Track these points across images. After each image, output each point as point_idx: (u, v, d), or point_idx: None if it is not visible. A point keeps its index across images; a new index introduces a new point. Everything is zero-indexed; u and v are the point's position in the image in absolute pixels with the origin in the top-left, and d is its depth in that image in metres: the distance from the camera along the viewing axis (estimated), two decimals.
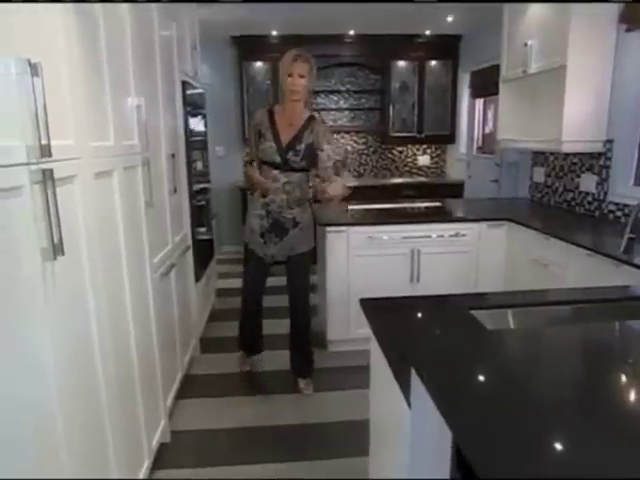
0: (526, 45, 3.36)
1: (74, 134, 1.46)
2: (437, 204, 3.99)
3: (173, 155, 2.73)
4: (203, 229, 3.85)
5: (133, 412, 2.01)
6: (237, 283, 4.94)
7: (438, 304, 1.71)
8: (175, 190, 2.77)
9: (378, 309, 1.67)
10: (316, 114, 2.82)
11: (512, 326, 1.61)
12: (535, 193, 4.12)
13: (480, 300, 1.76)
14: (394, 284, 3.30)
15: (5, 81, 1.11)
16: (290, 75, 2.56)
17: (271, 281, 3.10)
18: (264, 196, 2.72)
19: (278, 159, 2.66)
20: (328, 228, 3.23)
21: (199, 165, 3.79)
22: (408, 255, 3.29)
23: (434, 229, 3.28)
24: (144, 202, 2.18)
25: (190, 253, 3.27)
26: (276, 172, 2.68)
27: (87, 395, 1.55)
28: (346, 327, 3.37)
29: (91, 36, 1.65)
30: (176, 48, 2.98)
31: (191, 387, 3.06)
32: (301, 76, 2.56)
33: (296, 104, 2.65)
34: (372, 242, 3.24)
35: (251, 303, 3.02)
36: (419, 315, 1.64)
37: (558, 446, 0.85)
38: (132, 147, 2.06)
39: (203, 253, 3.78)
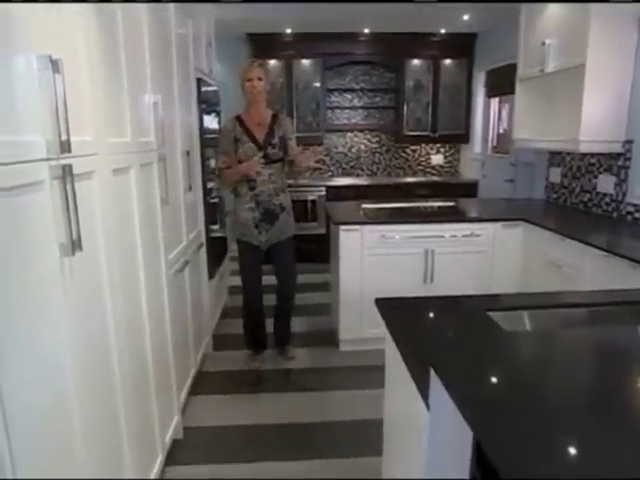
0: (544, 44, 3.32)
1: (92, 130, 1.47)
2: (451, 204, 3.97)
3: (188, 152, 2.74)
4: (216, 226, 3.86)
5: (147, 408, 2.02)
6: None
7: (455, 305, 1.70)
8: (190, 187, 2.78)
9: (394, 309, 1.66)
10: (279, 111, 3.20)
11: (529, 328, 1.59)
12: (551, 194, 4.08)
13: (497, 301, 1.75)
14: (407, 284, 3.29)
15: (27, 77, 1.12)
16: (249, 80, 2.86)
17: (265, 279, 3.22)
18: (252, 189, 2.95)
19: (260, 155, 2.92)
20: (342, 227, 3.22)
21: (213, 163, 3.80)
22: (422, 255, 3.27)
23: (448, 229, 3.26)
24: (160, 199, 2.18)
25: (204, 250, 3.28)
26: (259, 168, 2.92)
27: (103, 391, 1.55)
28: (358, 327, 3.35)
29: (110, 33, 1.66)
30: (192, 45, 2.99)
31: (204, 384, 3.07)
32: (259, 79, 2.87)
33: (259, 104, 2.95)
34: (385, 241, 3.23)
35: (252, 295, 3.17)
36: (436, 316, 1.62)
37: (575, 447, 0.85)
38: (148, 144, 2.06)
39: (216, 250, 3.79)
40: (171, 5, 2.52)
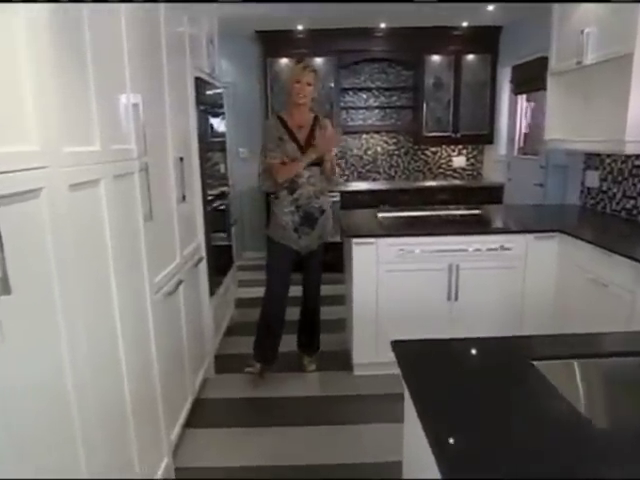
0: (582, 33, 2.97)
1: (39, 138, 1.19)
2: (476, 212, 3.62)
3: (182, 159, 2.45)
4: (222, 234, 3.59)
5: (124, 455, 1.73)
6: (258, 292, 4.67)
7: (489, 350, 1.38)
8: (184, 198, 2.50)
9: (415, 355, 1.35)
10: (319, 114, 3.08)
11: (590, 387, 1.26)
12: (587, 199, 3.70)
13: (541, 346, 1.42)
14: (429, 303, 2.98)
15: None
16: (299, 82, 2.81)
17: None
18: (292, 192, 2.89)
19: (300, 157, 2.86)
20: (355, 240, 2.91)
21: (219, 167, 3.53)
22: (445, 271, 2.94)
23: (474, 241, 2.92)
24: (142, 215, 1.90)
25: (204, 265, 3.00)
26: (299, 169, 2.87)
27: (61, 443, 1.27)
28: (373, 349, 3.04)
29: (70, 30, 1.39)
30: (188, 42, 2.71)
31: (202, 414, 2.78)
32: (308, 84, 2.83)
33: (302, 108, 2.90)
34: (404, 256, 2.91)
35: (276, 300, 3.06)
36: (467, 366, 1.30)
37: None
38: (126, 152, 1.78)
39: (221, 262, 3.51)
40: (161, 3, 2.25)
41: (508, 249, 2.91)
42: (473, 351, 1.37)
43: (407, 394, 1.25)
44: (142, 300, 1.93)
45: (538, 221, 3.36)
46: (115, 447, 1.64)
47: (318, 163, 2.90)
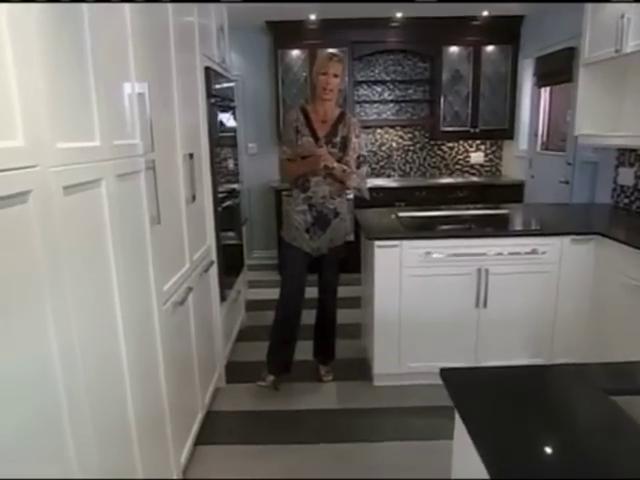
0: (622, 18, 2.75)
1: (24, 132, 1.00)
2: (503, 211, 3.41)
3: (191, 155, 2.26)
4: (232, 234, 3.39)
5: None
6: (268, 294, 4.53)
7: (555, 379, 1.18)
8: (194, 198, 2.30)
9: (468, 387, 1.15)
10: (346, 111, 2.90)
11: None
12: (621, 198, 3.48)
13: (615, 376, 1.21)
14: (456, 310, 2.78)
15: None
16: (324, 74, 2.62)
17: None
18: (305, 190, 2.75)
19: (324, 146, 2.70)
20: (377, 242, 2.70)
21: (229, 164, 3.33)
22: (473, 275, 2.73)
23: (506, 244, 2.71)
24: (149, 217, 1.71)
25: (214, 269, 2.80)
26: (301, 171, 2.73)
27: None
28: (396, 360, 2.85)
29: (65, 11, 1.19)
30: (197, 29, 2.51)
31: (213, 429, 2.59)
32: (335, 76, 2.63)
33: (327, 102, 2.72)
34: (430, 259, 2.70)
35: (290, 305, 2.87)
36: (533, 398, 1.10)
37: None
38: (131, 148, 1.59)
39: (232, 263, 3.32)
40: None
41: (542, 253, 2.69)
42: (534, 375, 1.16)
43: (459, 427, 1.05)
44: (148, 312, 1.75)
45: (572, 222, 3.14)
46: (117, 471, 1.46)
47: (338, 160, 2.72)
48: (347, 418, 2.68)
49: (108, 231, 1.39)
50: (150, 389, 1.75)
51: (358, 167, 2.84)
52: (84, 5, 1.26)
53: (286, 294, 2.88)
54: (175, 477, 2.01)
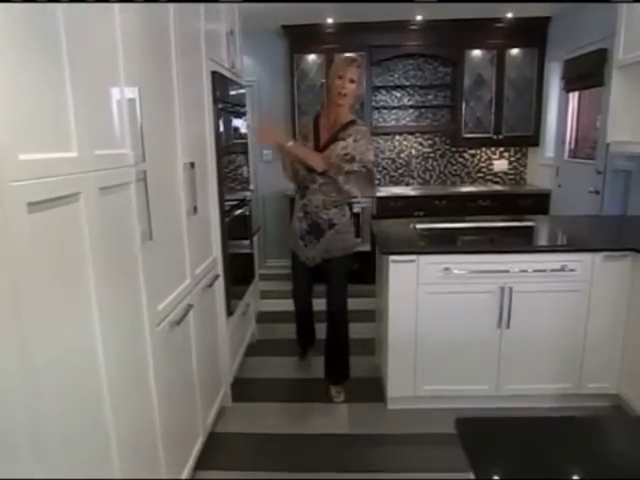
0: None
1: None
2: (528, 223, 3.20)
3: (192, 164, 2.12)
4: (242, 244, 3.26)
5: None
6: (281, 305, 4.40)
7: (590, 434, 1.00)
8: (195, 209, 2.17)
9: (487, 443, 0.98)
10: (358, 119, 2.77)
11: None
12: None
13: None
14: (476, 330, 2.60)
15: None
16: (341, 77, 2.55)
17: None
18: (302, 197, 2.75)
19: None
20: (392, 257, 2.53)
21: (239, 172, 3.21)
22: (496, 294, 2.54)
23: (531, 260, 2.51)
24: (140, 234, 1.58)
25: (220, 283, 2.67)
26: (314, 174, 2.66)
27: None
28: (410, 383, 2.67)
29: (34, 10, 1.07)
30: (204, 32, 2.38)
31: (216, 452, 2.44)
32: (352, 81, 2.56)
33: (341, 107, 2.65)
34: (449, 276, 2.52)
35: (300, 306, 3.14)
36: (569, 464, 0.93)
37: None
38: (119, 158, 1.46)
39: (241, 275, 3.19)
40: None
41: (572, 270, 2.49)
42: (566, 429, 0.99)
43: None
44: (139, 335, 1.61)
45: (604, 236, 2.94)
46: None
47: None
48: (359, 445, 2.51)
49: (87, 249, 1.26)
50: (139, 413, 1.62)
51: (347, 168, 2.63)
52: (59, 16, 1.14)
53: (295, 295, 3.12)
54: None
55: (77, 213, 1.23)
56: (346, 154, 2.58)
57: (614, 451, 0.99)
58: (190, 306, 2.09)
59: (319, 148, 2.65)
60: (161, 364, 1.76)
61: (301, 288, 3.05)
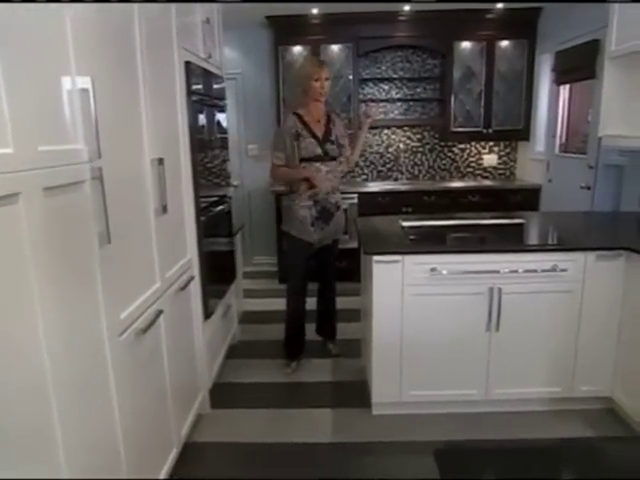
0: None
1: None
2: (518, 220, 3.09)
3: (162, 160, 1.99)
4: (221, 241, 3.13)
5: None
6: (266, 304, 4.29)
7: (571, 464, 0.89)
8: (165, 208, 2.04)
9: (467, 472, 0.87)
10: (332, 111, 3.27)
11: None
12: None
13: None
14: (464, 333, 2.51)
15: None
16: (317, 80, 2.88)
17: None
18: (311, 188, 2.93)
19: (319, 151, 2.94)
20: (376, 257, 2.42)
21: (219, 168, 3.08)
22: (484, 295, 2.44)
23: (522, 261, 2.40)
24: (97, 236, 1.45)
25: (196, 284, 2.54)
26: (317, 164, 2.95)
27: None
28: (396, 388, 2.56)
29: None
30: (174, 19, 2.24)
31: (191, 464, 2.32)
32: (327, 79, 2.91)
33: (321, 104, 2.98)
34: (435, 277, 2.41)
35: (299, 289, 3.13)
36: None
37: None
38: (70, 154, 1.33)
39: (221, 274, 3.07)
40: None
41: (563, 270, 2.38)
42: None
43: None
44: (96, 347, 1.48)
45: (597, 234, 2.85)
46: None
47: (334, 158, 2.99)
48: (345, 453, 2.39)
49: (28, 255, 1.13)
50: (96, 427, 1.49)
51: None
52: None
53: (294, 279, 3.12)
54: None
55: (16, 216, 1.10)
56: (342, 142, 3.07)
57: None
58: (160, 312, 1.96)
59: (319, 139, 2.94)
60: (124, 375, 1.64)
61: (304, 270, 3.11)
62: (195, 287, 2.53)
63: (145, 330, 1.80)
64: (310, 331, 3.36)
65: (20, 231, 1.12)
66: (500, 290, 2.42)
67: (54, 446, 1.26)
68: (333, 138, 2.99)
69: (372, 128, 5.20)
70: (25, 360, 1.15)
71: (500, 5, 4.58)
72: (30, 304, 1.15)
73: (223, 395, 2.89)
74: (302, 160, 2.94)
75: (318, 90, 2.88)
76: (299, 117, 2.95)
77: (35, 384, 1.18)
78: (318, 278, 3.29)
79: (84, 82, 1.36)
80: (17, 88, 1.09)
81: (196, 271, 2.54)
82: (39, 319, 1.18)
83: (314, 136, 2.93)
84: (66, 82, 1.31)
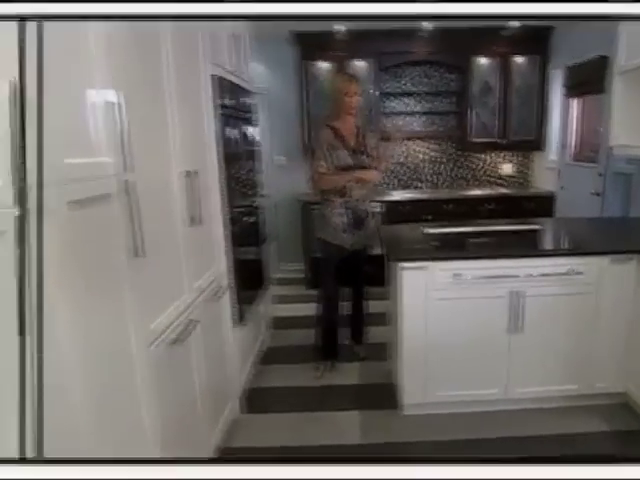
0: None
1: None
2: (534, 226, 2.91)
3: (191, 172, 1.88)
4: (251, 250, 3.02)
5: None
6: (295, 310, 4.11)
7: None
8: (195, 219, 1.92)
9: None
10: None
11: None
12: None
13: None
14: (488, 335, 2.39)
15: None
16: (347, 94, 2.80)
17: None
18: (342, 195, 2.89)
19: (351, 162, 2.87)
20: (403, 264, 2.27)
21: (251, 178, 2.99)
22: (505, 298, 2.30)
23: (540, 265, 2.28)
24: (126, 250, 1.34)
25: (226, 293, 2.41)
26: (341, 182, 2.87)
27: None
28: (423, 389, 2.43)
29: None
30: (201, 34, 2.13)
31: None
32: (356, 93, 2.84)
33: (351, 117, 2.91)
34: (459, 282, 2.27)
35: (332, 293, 3.05)
36: None
37: None
38: (96, 167, 1.22)
39: (250, 283, 2.94)
40: None
41: (579, 273, 2.27)
42: None
43: None
44: (127, 360, 1.37)
45: (609, 239, 2.71)
46: None
47: (365, 167, 2.89)
48: (378, 453, 2.24)
49: (50, 270, 1.02)
50: (126, 436, 1.39)
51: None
52: None
53: (326, 282, 3.03)
54: None
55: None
56: (372, 153, 2.97)
57: None
58: (191, 321, 1.85)
59: (350, 150, 2.88)
60: (154, 387, 1.52)
61: (334, 275, 3.02)
62: (225, 294, 2.41)
63: (176, 340, 1.69)
64: (340, 337, 3.20)
65: (45, 243, 1.01)
66: (521, 293, 2.28)
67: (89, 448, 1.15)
68: (363, 149, 2.92)
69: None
70: (51, 371, 1.04)
71: (515, 23, 4.37)
72: (52, 320, 1.04)
73: (253, 400, 2.75)
74: (337, 168, 2.87)
75: (349, 104, 2.82)
76: (332, 129, 2.88)
77: (62, 390, 1.07)
78: (349, 284, 3.18)
79: (114, 96, 1.25)
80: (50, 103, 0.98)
81: (226, 279, 2.42)
82: (65, 337, 1.07)
83: (347, 147, 2.87)
84: (92, 95, 1.21)
